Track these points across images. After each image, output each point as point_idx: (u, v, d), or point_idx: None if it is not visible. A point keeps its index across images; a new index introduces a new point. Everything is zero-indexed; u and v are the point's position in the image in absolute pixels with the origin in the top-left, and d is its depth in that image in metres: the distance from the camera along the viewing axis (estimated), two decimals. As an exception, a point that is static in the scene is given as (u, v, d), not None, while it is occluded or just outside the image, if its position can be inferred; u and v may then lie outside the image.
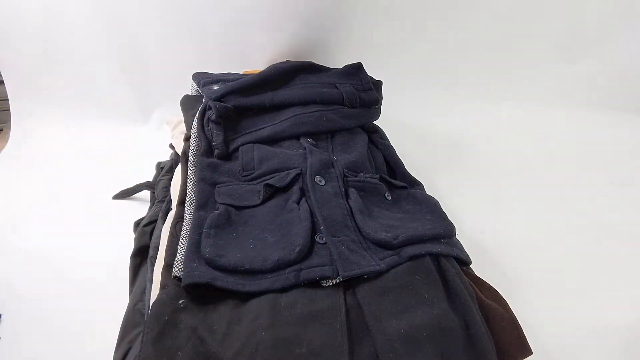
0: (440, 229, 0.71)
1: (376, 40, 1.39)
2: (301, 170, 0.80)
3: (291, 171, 0.80)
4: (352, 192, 0.78)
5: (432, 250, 0.67)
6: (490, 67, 1.50)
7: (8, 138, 1.46)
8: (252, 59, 1.31)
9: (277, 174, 0.81)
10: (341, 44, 1.35)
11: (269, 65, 1.03)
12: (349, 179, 0.81)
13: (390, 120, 1.14)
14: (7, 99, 1.48)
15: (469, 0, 1.36)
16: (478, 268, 0.75)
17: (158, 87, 1.50)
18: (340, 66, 1.06)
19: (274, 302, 0.59)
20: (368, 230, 0.69)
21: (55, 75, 1.48)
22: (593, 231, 0.98)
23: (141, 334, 0.57)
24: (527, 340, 0.60)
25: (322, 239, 0.68)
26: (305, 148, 0.86)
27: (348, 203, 0.75)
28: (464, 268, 0.73)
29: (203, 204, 0.76)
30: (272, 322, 0.56)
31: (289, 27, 1.29)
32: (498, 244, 0.93)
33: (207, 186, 0.79)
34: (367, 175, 0.85)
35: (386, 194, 0.83)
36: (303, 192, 0.77)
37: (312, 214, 0.71)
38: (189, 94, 1.10)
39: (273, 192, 0.78)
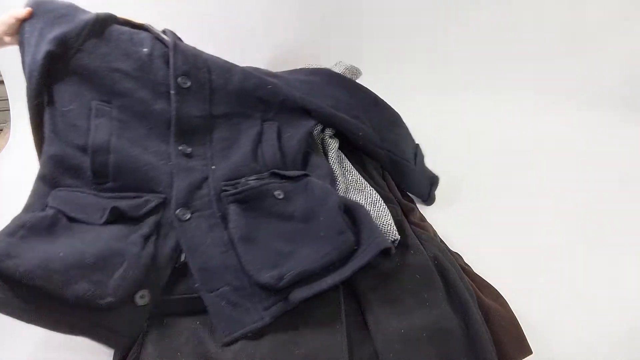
0: (335, 253, 0.63)
1: (370, 40, 1.40)
2: (165, 199, 0.68)
3: (152, 200, 0.67)
4: (232, 210, 0.68)
5: (321, 289, 0.60)
6: (489, 67, 1.50)
7: (8, 138, 1.46)
8: (251, 58, 1.31)
9: (135, 194, 0.67)
10: (336, 45, 1.37)
11: (268, 64, 1.04)
12: (227, 193, 0.70)
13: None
14: (7, 99, 1.48)
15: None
16: (478, 268, 0.75)
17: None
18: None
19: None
20: (251, 267, 0.62)
21: (55, 75, 1.48)
22: (593, 231, 0.98)
23: (141, 334, 0.57)
24: (527, 340, 0.60)
25: (144, 297, 0.58)
26: (173, 159, 0.72)
27: (227, 232, 0.66)
28: (464, 267, 0.73)
29: (29, 205, 0.68)
30: (272, 324, 0.56)
31: (286, 29, 1.32)
32: (498, 243, 0.93)
33: (45, 187, 0.68)
34: (251, 178, 0.74)
35: (276, 193, 0.72)
36: (158, 228, 0.65)
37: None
38: None
39: (120, 217, 0.64)
